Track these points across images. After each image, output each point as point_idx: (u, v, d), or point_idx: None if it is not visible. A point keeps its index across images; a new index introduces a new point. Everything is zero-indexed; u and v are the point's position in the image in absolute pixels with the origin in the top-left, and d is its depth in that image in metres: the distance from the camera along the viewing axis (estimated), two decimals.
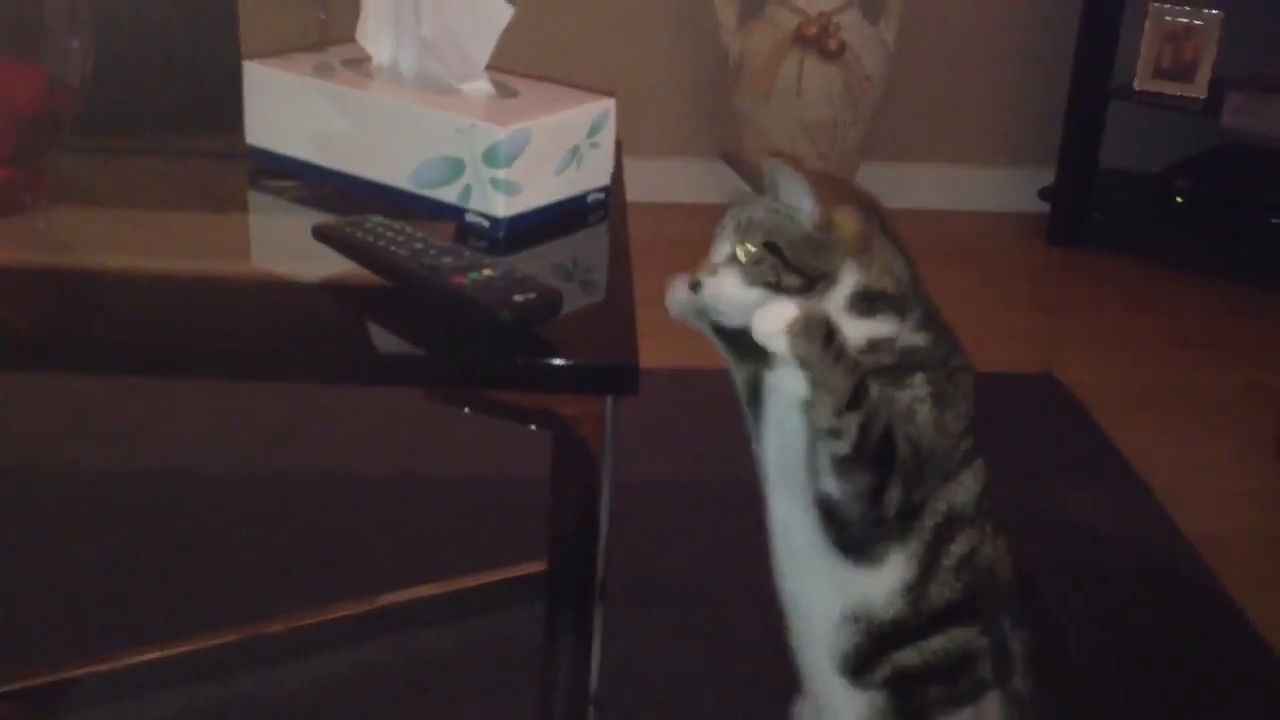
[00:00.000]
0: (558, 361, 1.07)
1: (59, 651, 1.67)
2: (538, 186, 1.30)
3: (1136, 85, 3.14)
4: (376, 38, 1.39)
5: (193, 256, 1.28)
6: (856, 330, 1.22)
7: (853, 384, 1.18)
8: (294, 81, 1.37)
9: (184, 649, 1.64)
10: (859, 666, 1.29)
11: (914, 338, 1.23)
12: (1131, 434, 2.38)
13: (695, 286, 1.24)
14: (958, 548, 1.26)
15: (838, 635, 1.29)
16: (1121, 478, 2.26)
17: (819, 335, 1.18)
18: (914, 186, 3.41)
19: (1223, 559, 1.99)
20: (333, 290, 1.23)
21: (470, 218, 1.29)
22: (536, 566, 1.67)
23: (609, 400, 1.10)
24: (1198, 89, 3.08)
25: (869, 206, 1.25)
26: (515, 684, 1.65)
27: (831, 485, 1.22)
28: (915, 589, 1.25)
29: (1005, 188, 3.42)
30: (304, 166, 1.38)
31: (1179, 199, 3.13)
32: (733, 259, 1.22)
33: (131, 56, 1.64)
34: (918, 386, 1.22)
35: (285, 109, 1.38)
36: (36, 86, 1.35)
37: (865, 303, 1.22)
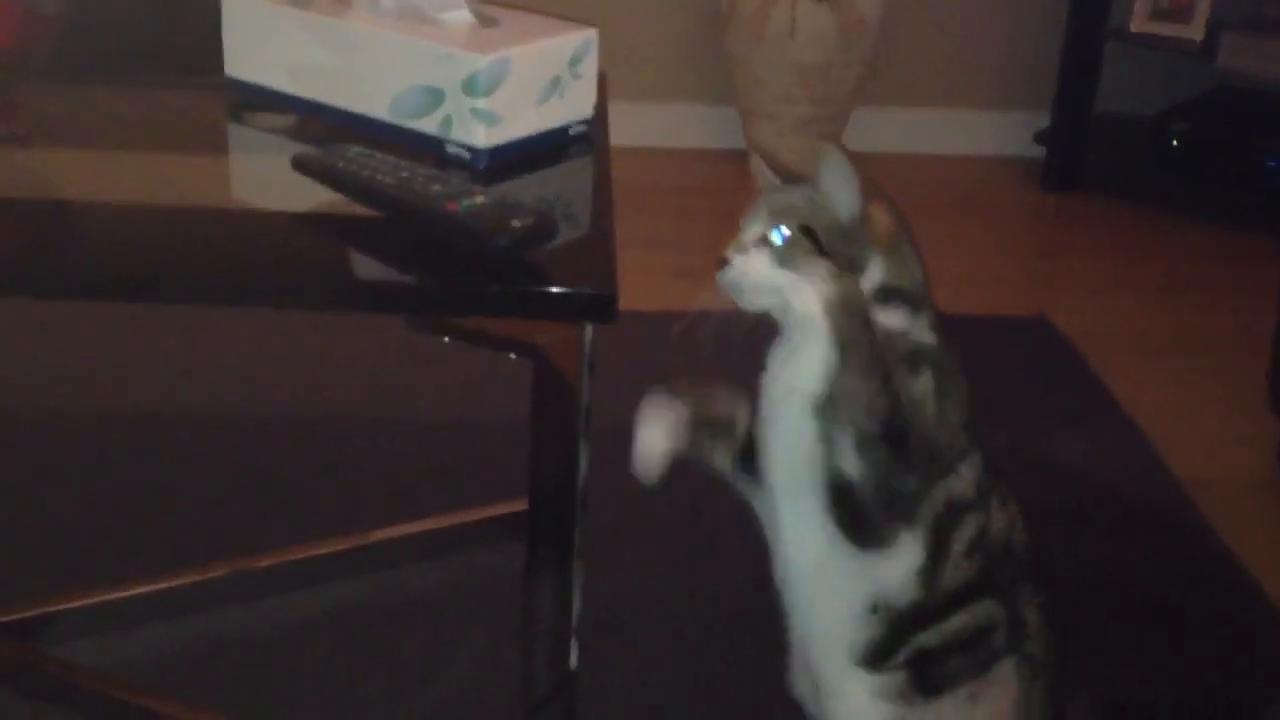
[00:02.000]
0: (536, 289, 1.06)
1: (45, 586, 1.67)
2: (519, 117, 1.28)
3: (1133, 27, 3.11)
4: None
5: (171, 187, 1.27)
6: (878, 318, 1.24)
7: (885, 366, 1.20)
8: (272, 11, 1.35)
9: (168, 584, 1.65)
10: (879, 656, 1.30)
11: (924, 336, 1.26)
12: (1123, 378, 2.37)
13: (722, 264, 1.25)
14: (964, 531, 1.27)
15: (857, 630, 1.29)
16: (1113, 421, 2.26)
17: (859, 315, 1.20)
18: (908, 130, 3.38)
19: (1213, 501, 1.99)
20: (307, 220, 1.22)
21: (451, 148, 1.27)
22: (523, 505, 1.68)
23: (586, 329, 1.09)
24: (1195, 30, 3.05)
25: (896, 211, 1.28)
26: (501, 619, 1.65)
27: (852, 466, 1.23)
28: (928, 572, 1.27)
29: (1000, 132, 3.39)
30: (283, 98, 1.36)
31: (1175, 142, 3.10)
32: (763, 240, 1.23)
33: None
34: (924, 380, 1.24)
35: (264, 40, 1.36)
36: (11, 14, 1.33)
37: (885, 297, 1.24)
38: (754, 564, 1.85)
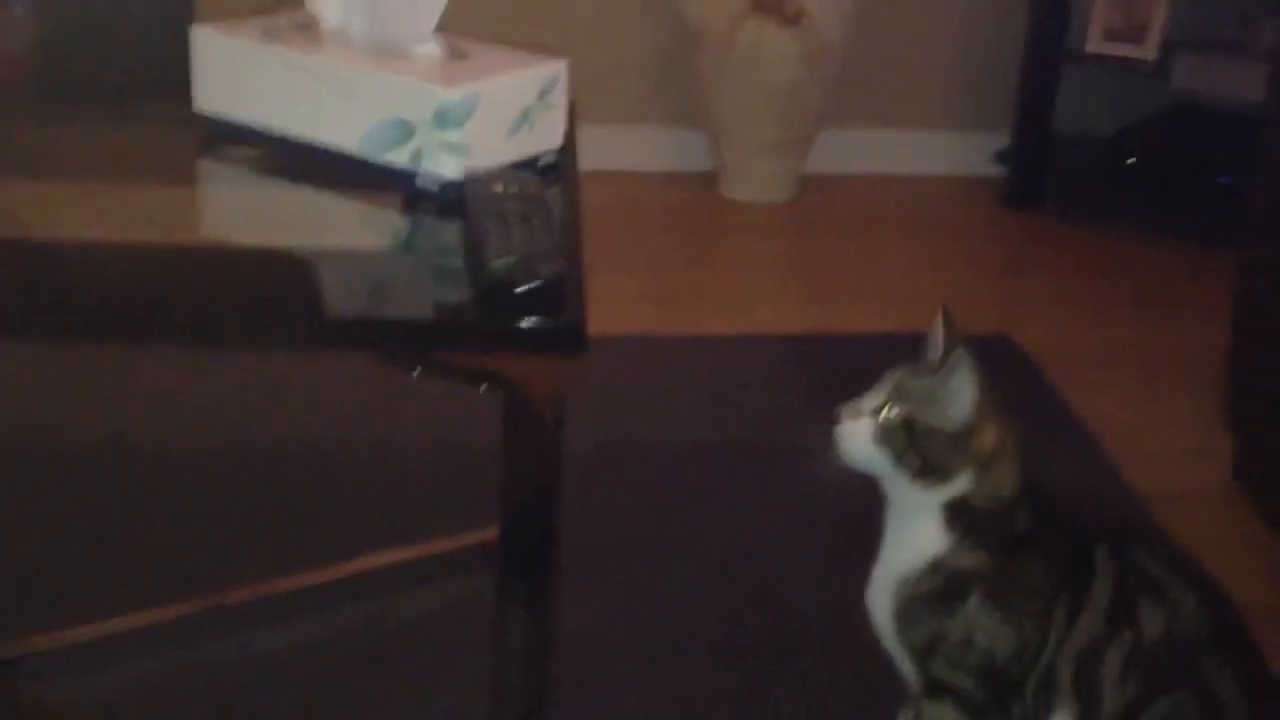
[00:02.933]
0: (506, 323, 1.08)
1: (17, 623, 1.66)
2: (489, 149, 1.30)
3: (1089, 48, 3.16)
4: (326, 1, 1.39)
5: (140, 223, 1.28)
6: (934, 544, 1.31)
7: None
8: (243, 46, 1.37)
9: (143, 620, 1.64)
10: None
11: (967, 559, 1.31)
12: (1085, 394, 2.41)
13: (836, 419, 1.32)
14: (1109, 666, 1.30)
15: None
16: (1075, 436, 2.29)
17: None
18: (872, 151, 3.42)
19: (1171, 515, 2.02)
20: (276, 257, 1.23)
21: (421, 181, 1.29)
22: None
23: (557, 361, 1.11)
24: (1149, 50, 3.10)
25: (1012, 425, 1.32)
26: (478, 648, 1.66)
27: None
28: (1091, 715, 1.30)
29: (962, 152, 3.44)
30: (254, 132, 1.38)
31: (1131, 161, 3.16)
32: (876, 412, 1.29)
33: (80, 24, 1.62)
34: (971, 606, 1.30)
35: (234, 74, 1.38)
36: None
37: (953, 512, 1.30)
38: (727, 592, 1.88)
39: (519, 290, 1.07)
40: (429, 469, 2.09)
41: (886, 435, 1.29)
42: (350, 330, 1.11)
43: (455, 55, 1.36)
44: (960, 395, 1.28)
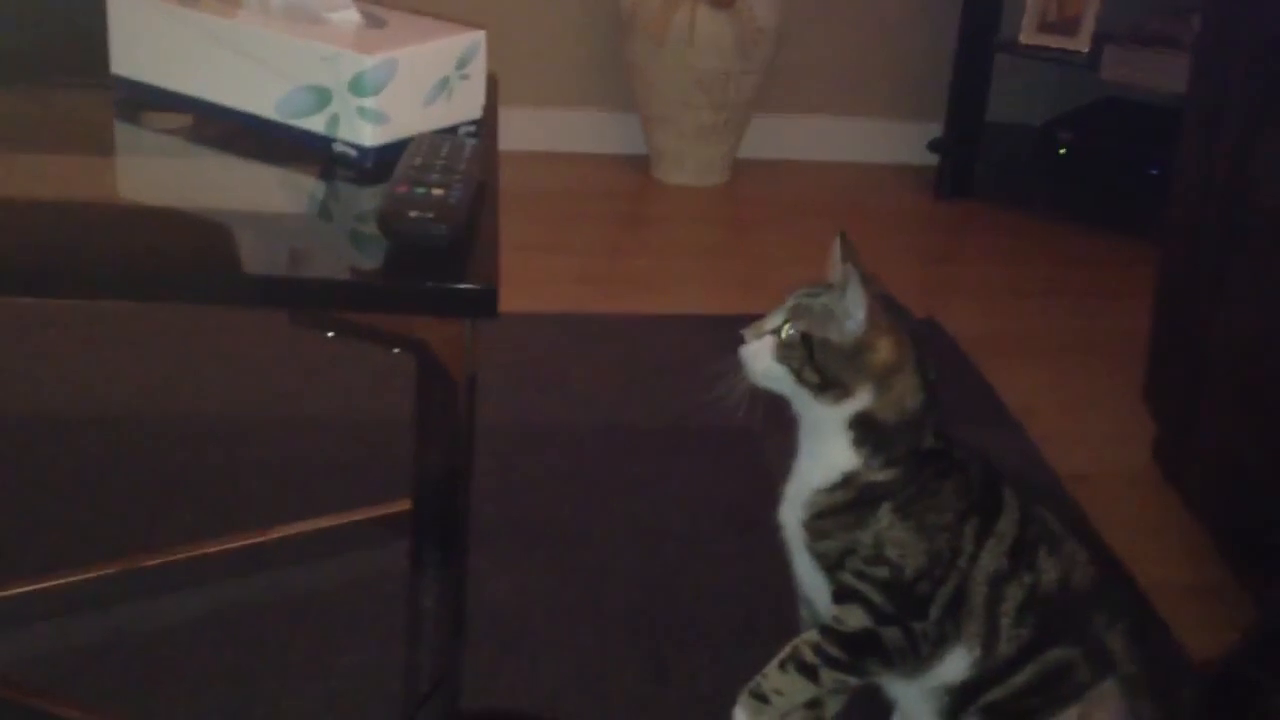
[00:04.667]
0: (420, 283, 1.08)
1: None
2: (406, 117, 1.30)
3: (1022, 39, 3.20)
4: None
5: (53, 183, 1.27)
6: (845, 459, 1.33)
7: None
8: (159, 9, 1.35)
9: (56, 582, 1.64)
10: (949, 716, 1.37)
11: (879, 475, 1.33)
12: (1008, 379, 2.44)
13: (739, 341, 1.35)
14: (1010, 603, 1.33)
15: (926, 701, 1.38)
16: (998, 419, 2.32)
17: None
18: (805, 138, 3.44)
19: (1091, 495, 2.05)
20: (193, 216, 1.22)
21: (338, 147, 1.28)
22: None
23: (468, 324, 1.11)
24: (1081, 43, 3.14)
25: (912, 338, 1.35)
26: (391, 617, 1.66)
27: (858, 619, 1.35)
28: (983, 655, 1.33)
29: (895, 140, 3.46)
30: (170, 96, 1.36)
31: (1061, 151, 3.19)
32: (777, 332, 1.33)
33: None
34: (882, 518, 1.32)
35: (151, 38, 1.36)
36: None
37: (860, 428, 1.32)
38: (641, 560, 1.89)
39: (430, 252, 1.07)
40: (351, 436, 2.09)
41: (786, 352, 1.32)
42: (262, 287, 1.10)
43: (373, 23, 1.35)
44: (852, 310, 1.31)
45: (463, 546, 1.22)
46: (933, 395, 1.35)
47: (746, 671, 1.40)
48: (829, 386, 1.32)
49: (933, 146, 3.34)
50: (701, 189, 3.26)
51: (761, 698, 1.36)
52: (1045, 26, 3.20)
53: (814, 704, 1.41)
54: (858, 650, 1.34)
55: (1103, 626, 1.33)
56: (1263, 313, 1.87)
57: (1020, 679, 1.33)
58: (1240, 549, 1.89)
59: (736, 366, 1.35)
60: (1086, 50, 3.13)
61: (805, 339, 1.32)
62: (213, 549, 1.72)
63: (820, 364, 1.32)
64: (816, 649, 1.35)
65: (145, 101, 1.37)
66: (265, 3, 1.36)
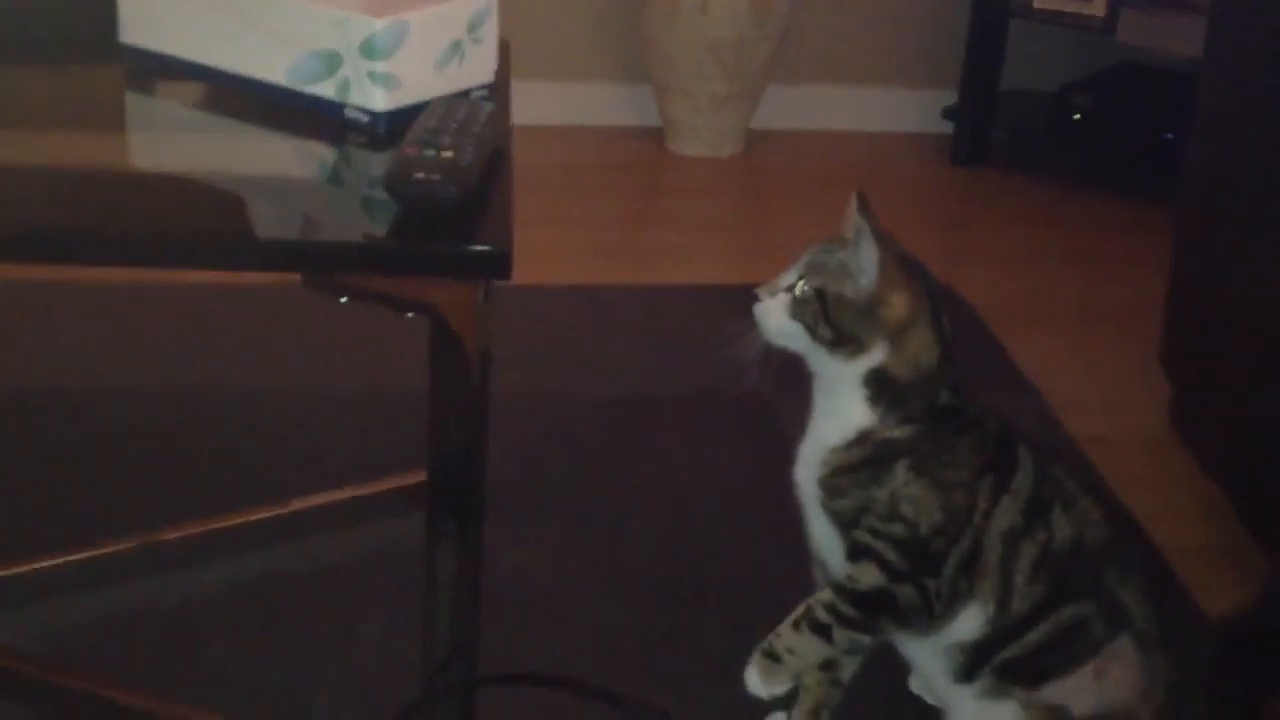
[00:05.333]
0: (433, 245, 1.08)
1: None
2: (418, 81, 1.29)
3: (1037, 4, 3.17)
4: None
5: (66, 152, 1.27)
6: (860, 416, 1.33)
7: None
8: None
9: (78, 557, 1.64)
10: (964, 675, 1.36)
11: (895, 432, 1.32)
12: (1025, 345, 2.43)
13: (754, 299, 1.35)
14: (1023, 561, 1.32)
15: (941, 660, 1.37)
16: (1015, 385, 2.31)
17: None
18: (820, 107, 3.42)
19: (1107, 458, 2.04)
20: (205, 183, 1.22)
21: (349, 112, 1.28)
22: None
23: (481, 288, 1.11)
24: (1096, 6, 3.11)
25: (928, 293, 1.34)
26: (410, 587, 1.66)
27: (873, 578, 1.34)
28: (997, 613, 1.33)
29: (910, 108, 3.44)
30: (179, 64, 1.36)
31: (1077, 116, 3.17)
32: (791, 289, 1.32)
33: None
34: (898, 475, 1.32)
35: (160, 5, 1.36)
36: None
37: (875, 384, 1.31)
38: (657, 529, 1.89)
39: (439, 214, 1.07)
40: (373, 407, 2.09)
41: (800, 308, 1.32)
42: (274, 251, 1.10)
43: None
44: (865, 265, 1.31)
45: (479, 516, 1.22)
46: (948, 351, 1.35)
47: (761, 635, 1.40)
48: (843, 342, 1.32)
49: (948, 114, 3.32)
50: (716, 160, 3.24)
51: (774, 657, 1.36)
52: None
53: (830, 665, 1.41)
54: (872, 608, 1.34)
55: (1117, 582, 1.33)
56: None
57: (1035, 636, 1.32)
58: (1256, 510, 1.88)
59: (751, 324, 1.35)
60: (1102, 14, 3.10)
61: (819, 294, 1.32)
62: (231, 522, 1.72)
63: (834, 320, 1.32)
64: (830, 608, 1.35)
65: (154, 69, 1.37)
66: None
